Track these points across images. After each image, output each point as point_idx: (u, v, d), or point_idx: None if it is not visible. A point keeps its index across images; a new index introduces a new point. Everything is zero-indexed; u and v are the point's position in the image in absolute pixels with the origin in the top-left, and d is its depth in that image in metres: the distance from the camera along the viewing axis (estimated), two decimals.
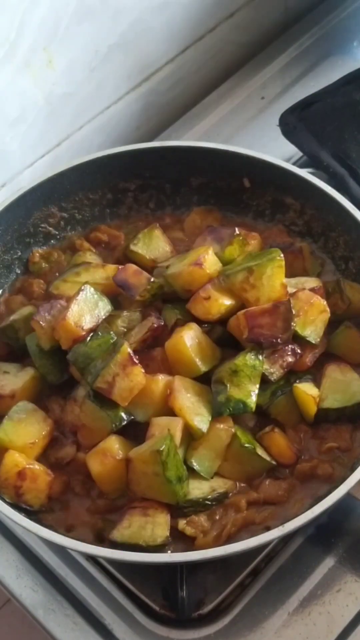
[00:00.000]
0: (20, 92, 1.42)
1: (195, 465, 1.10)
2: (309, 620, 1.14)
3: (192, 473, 1.10)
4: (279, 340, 1.13)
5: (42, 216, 1.37)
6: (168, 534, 1.06)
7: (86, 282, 1.21)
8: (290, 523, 1.01)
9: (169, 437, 1.06)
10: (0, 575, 1.21)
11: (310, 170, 1.38)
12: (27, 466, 1.11)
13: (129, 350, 1.12)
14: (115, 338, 1.16)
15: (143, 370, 1.12)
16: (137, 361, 1.11)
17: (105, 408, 1.11)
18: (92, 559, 1.20)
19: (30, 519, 1.06)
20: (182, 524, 1.08)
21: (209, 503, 1.10)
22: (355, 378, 1.17)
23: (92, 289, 1.19)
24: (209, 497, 1.09)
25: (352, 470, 1.05)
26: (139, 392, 1.11)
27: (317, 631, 1.13)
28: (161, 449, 1.04)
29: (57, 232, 1.40)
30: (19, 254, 1.37)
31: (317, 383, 1.17)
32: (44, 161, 1.54)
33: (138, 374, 1.11)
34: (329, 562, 1.18)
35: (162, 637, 1.14)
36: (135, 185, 1.42)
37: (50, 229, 1.39)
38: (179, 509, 1.08)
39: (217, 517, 1.10)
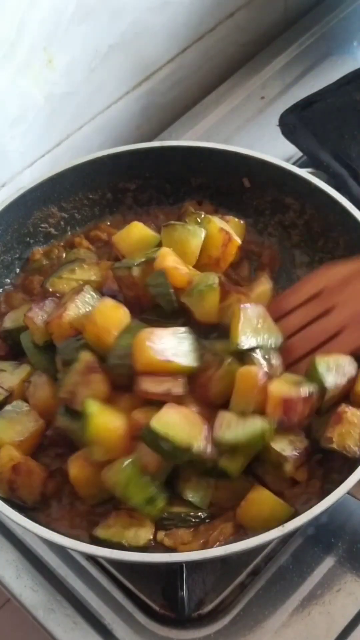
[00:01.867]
0: (20, 92, 1.42)
1: (190, 497, 1.09)
2: (309, 620, 1.14)
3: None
4: (301, 424, 1.10)
5: (42, 216, 1.37)
6: (151, 537, 1.06)
7: (82, 280, 1.21)
8: (290, 523, 1.01)
9: (129, 464, 1.04)
10: (0, 575, 1.21)
11: (310, 170, 1.38)
12: (22, 461, 1.10)
13: (89, 357, 1.09)
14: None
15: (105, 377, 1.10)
16: (97, 368, 1.09)
17: (77, 420, 1.08)
18: (92, 559, 1.20)
19: (28, 517, 1.05)
20: (160, 535, 1.08)
21: (193, 521, 1.09)
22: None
23: (91, 291, 1.19)
24: (192, 514, 1.09)
25: (352, 470, 1.05)
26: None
27: (317, 631, 1.13)
28: (119, 480, 1.03)
29: (57, 232, 1.40)
30: (19, 253, 1.37)
31: None
32: (44, 161, 1.54)
33: (98, 381, 1.09)
34: (329, 562, 1.18)
35: (162, 637, 1.14)
36: (136, 185, 1.42)
37: (50, 229, 1.39)
38: (158, 520, 1.08)
39: (202, 529, 1.09)
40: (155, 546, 1.07)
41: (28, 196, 1.33)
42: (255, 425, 1.06)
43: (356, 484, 1.04)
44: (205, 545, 1.06)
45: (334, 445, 1.08)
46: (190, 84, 1.77)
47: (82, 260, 1.29)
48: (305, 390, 1.07)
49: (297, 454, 1.08)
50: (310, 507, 1.02)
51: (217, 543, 1.06)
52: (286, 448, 1.07)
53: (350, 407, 1.09)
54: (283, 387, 1.08)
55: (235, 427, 1.06)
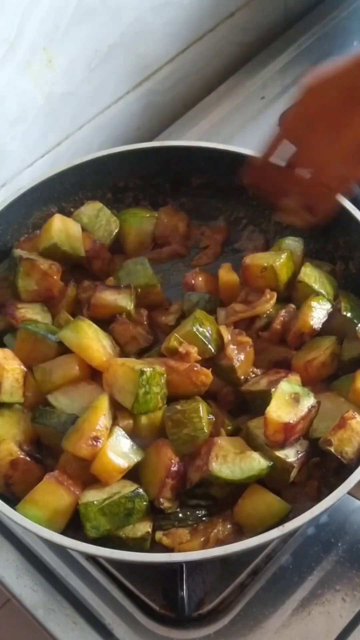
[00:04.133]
0: (20, 92, 1.42)
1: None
2: (309, 620, 1.14)
3: None
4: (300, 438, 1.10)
5: (42, 216, 1.37)
6: (149, 529, 1.06)
7: None
8: (290, 523, 1.01)
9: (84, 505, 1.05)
10: (0, 575, 1.21)
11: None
12: (21, 456, 1.10)
13: None
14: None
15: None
16: None
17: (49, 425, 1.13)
18: (92, 559, 1.20)
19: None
20: (159, 534, 1.08)
21: (191, 520, 1.09)
22: (342, 401, 1.14)
23: None
24: (189, 513, 1.09)
25: (351, 471, 1.05)
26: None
27: (317, 631, 1.13)
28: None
29: None
30: None
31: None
32: (44, 161, 1.54)
33: None
34: (329, 562, 1.18)
35: (162, 637, 1.14)
36: (136, 185, 1.42)
37: None
38: (155, 520, 1.08)
39: (200, 528, 1.09)
40: (154, 545, 1.07)
41: (28, 196, 1.33)
42: (252, 464, 1.06)
43: (356, 484, 1.04)
44: (205, 544, 1.06)
45: (332, 449, 1.07)
46: (190, 84, 1.77)
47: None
48: (304, 407, 1.07)
49: (300, 457, 1.08)
50: (309, 507, 1.02)
51: (217, 542, 1.06)
52: (289, 453, 1.07)
53: (357, 415, 1.09)
54: (281, 411, 1.07)
55: (232, 464, 1.06)
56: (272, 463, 1.06)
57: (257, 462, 1.06)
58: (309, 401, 1.08)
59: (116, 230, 1.36)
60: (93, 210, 1.36)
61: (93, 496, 1.05)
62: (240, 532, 1.08)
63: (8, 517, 1.04)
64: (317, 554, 1.19)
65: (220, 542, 1.06)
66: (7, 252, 1.34)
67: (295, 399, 1.08)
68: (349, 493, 1.04)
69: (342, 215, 1.27)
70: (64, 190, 1.37)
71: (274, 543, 1.19)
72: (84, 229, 1.33)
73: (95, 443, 1.05)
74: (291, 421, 1.06)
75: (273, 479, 1.09)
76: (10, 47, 1.35)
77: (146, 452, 1.10)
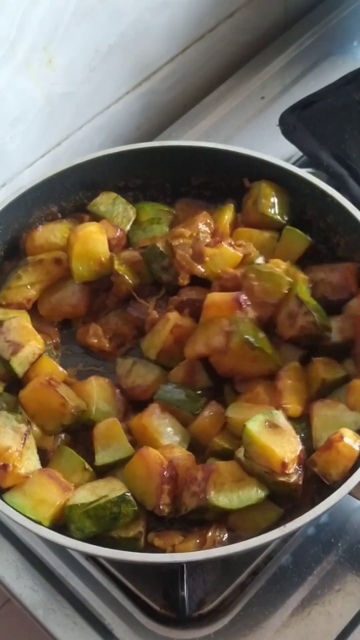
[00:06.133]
0: (20, 92, 1.42)
1: None
2: (309, 620, 1.14)
3: None
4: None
5: (43, 216, 1.37)
6: (142, 529, 1.06)
7: (29, 284, 1.27)
8: (291, 523, 1.01)
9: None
10: (0, 575, 1.21)
11: (310, 170, 1.38)
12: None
13: None
14: None
15: None
16: None
17: None
18: (92, 559, 1.20)
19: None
20: (151, 535, 1.08)
21: (184, 525, 1.09)
22: (343, 408, 1.13)
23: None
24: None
25: (352, 471, 1.05)
26: None
27: (317, 631, 1.13)
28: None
29: None
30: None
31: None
32: (44, 161, 1.54)
33: None
34: (329, 562, 1.18)
35: (162, 637, 1.14)
36: (136, 184, 1.42)
37: None
38: (149, 521, 1.08)
39: (195, 530, 1.08)
40: (147, 546, 1.07)
41: (28, 196, 1.33)
42: (250, 493, 1.05)
43: (356, 484, 1.04)
44: (201, 545, 1.06)
45: (316, 469, 1.07)
46: (190, 83, 1.77)
47: (25, 264, 1.29)
48: (291, 430, 1.08)
49: (300, 473, 1.06)
50: (305, 510, 1.01)
51: (212, 543, 1.06)
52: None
53: (346, 437, 1.06)
54: (276, 445, 1.05)
55: (230, 492, 1.05)
56: (269, 492, 1.05)
57: (255, 492, 1.05)
58: (283, 420, 1.08)
59: (134, 217, 1.36)
60: (109, 199, 1.36)
61: (81, 497, 1.05)
62: (234, 535, 1.07)
63: (7, 517, 1.04)
64: (317, 554, 1.19)
65: (215, 544, 1.05)
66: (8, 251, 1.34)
67: (271, 425, 1.07)
68: (349, 493, 1.04)
69: (342, 215, 1.28)
70: (64, 190, 1.37)
71: (275, 543, 1.19)
72: (102, 217, 1.33)
73: (4, 471, 1.06)
74: (298, 451, 1.06)
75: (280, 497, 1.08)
76: (10, 47, 1.35)
77: (131, 462, 1.09)
